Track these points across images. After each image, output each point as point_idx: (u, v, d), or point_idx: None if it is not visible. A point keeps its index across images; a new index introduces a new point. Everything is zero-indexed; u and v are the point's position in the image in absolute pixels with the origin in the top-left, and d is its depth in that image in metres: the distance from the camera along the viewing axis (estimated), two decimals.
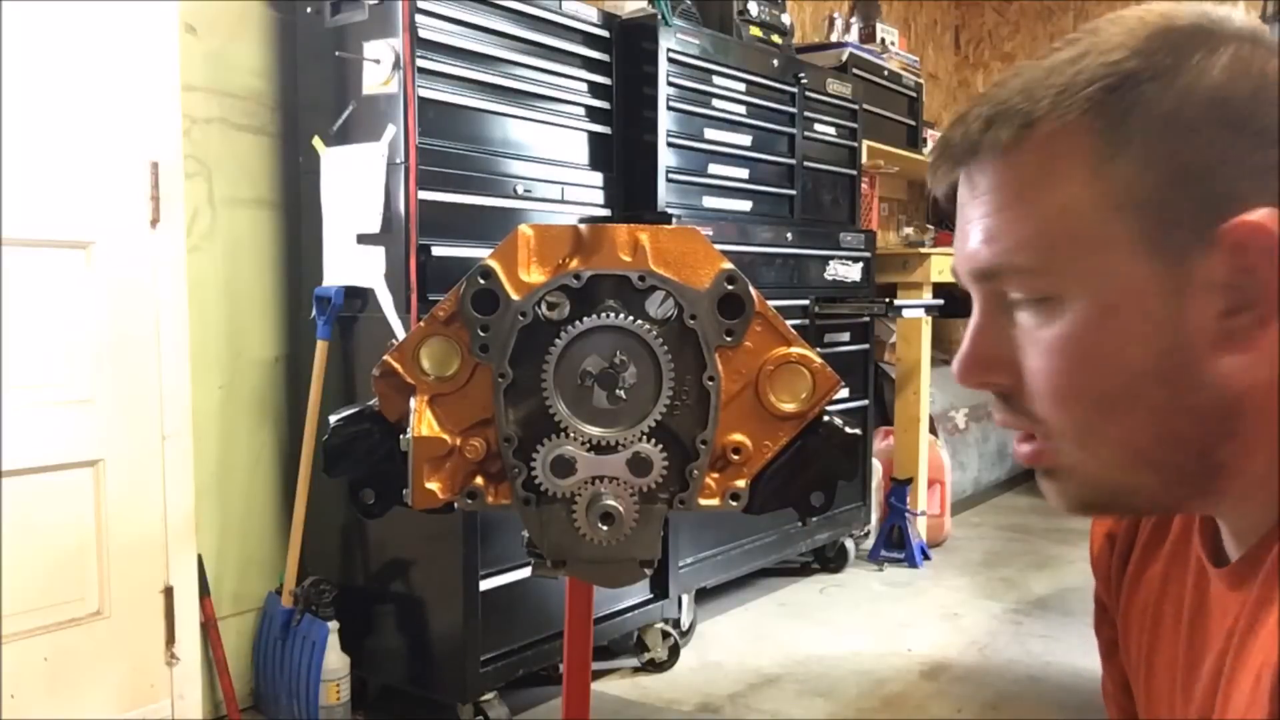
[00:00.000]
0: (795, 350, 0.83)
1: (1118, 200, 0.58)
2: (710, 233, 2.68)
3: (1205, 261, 0.57)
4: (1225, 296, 0.57)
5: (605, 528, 0.80)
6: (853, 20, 4.42)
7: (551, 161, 2.45)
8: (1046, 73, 0.61)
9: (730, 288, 0.81)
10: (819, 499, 0.85)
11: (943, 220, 5.21)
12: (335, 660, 2.23)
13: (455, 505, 0.83)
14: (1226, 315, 0.57)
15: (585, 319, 0.79)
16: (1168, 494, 0.63)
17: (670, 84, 2.68)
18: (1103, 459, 0.62)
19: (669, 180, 2.71)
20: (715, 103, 2.86)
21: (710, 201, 2.88)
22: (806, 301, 3.20)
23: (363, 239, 2.18)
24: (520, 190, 2.33)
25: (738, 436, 0.83)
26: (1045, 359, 0.62)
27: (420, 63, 2.13)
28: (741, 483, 0.83)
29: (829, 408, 0.84)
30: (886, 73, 4.14)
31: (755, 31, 3.12)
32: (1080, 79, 0.59)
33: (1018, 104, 0.61)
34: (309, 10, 2.30)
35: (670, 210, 2.69)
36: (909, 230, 4.78)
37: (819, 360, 0.83)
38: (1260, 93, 0.57)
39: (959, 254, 0.66)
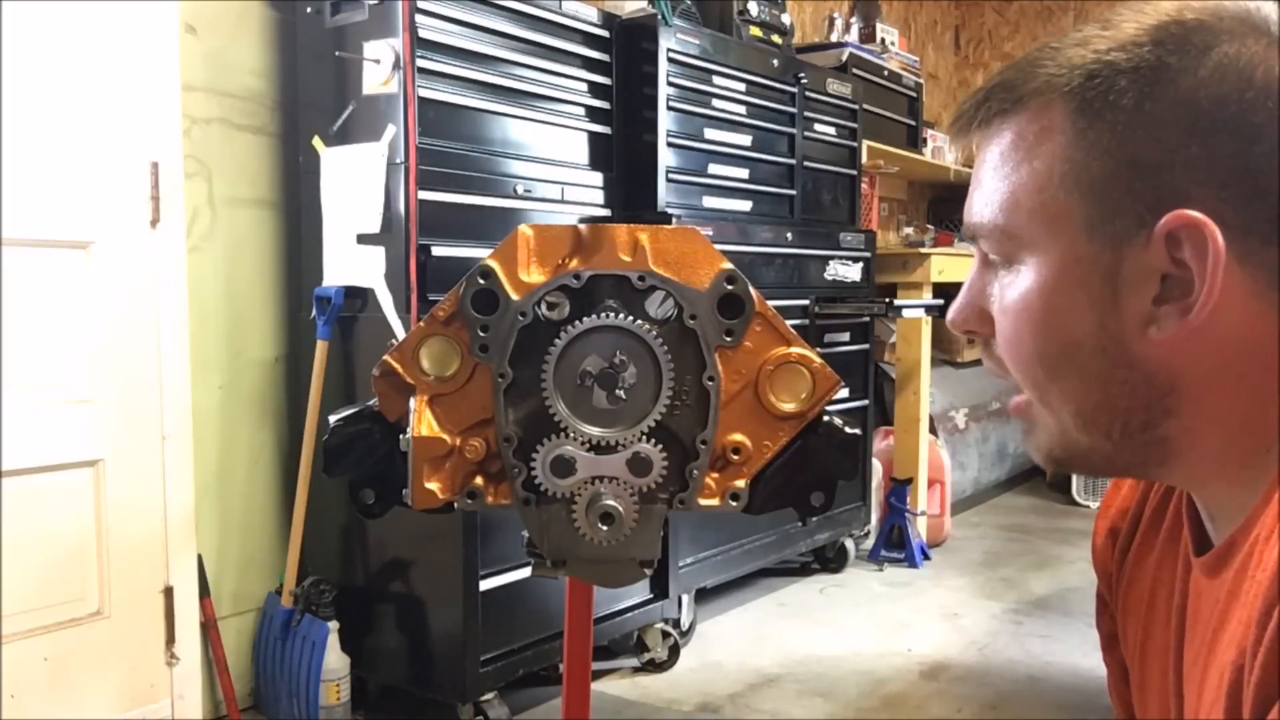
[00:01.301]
0: (795, 350, 0.83)
1: (1074, 180, 0.62)
2: (710, 233, 2.68)
3: (1144, 250, 0.60)
4: (1158, 285, 0.60)
5: (605, 528, 0.80)
6: (853, 20, 4.42)
7: (551, 161, 2.45)
8: (1053, 53, 0.65)
9: (730, 288, 0.81)
10: (819, 499, 0.85)
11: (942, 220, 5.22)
12: (335, 660, 2.23)
13: (455, 505, 0.83)
14: (1157, 302, 0.60)
15: (585, 319, 0.79)
16: (1120, 458, 0.66)
17: (670, 84, 2.68)
18: (1058, 415, 0.66)
19: (669, 180, 2.71)
20: (715, 103, 2.86)
21: (710, 201, 2.88)
22: (806, 301, 3.20)
23: (363, 239, 2.18)
24: (520, 190, 2.33)
25: (738, 436, 0.83)
26: (1005, 317, 0.67)
27: (420, 63, 2.13)
28: (741, 483, 0.83)
29: (829, 408, 0.84)
30: (886, 73, 4.14)
31: (755, 31, 3.11)
32: (1071, 63, 0.63)
33: (1016, 80, 0.65)
34: (309, 10, 2.30)
35: (670, 210, 2.69)
36: (909, 230, 4.78)
37: (819, 360, 0.83)
38: (1246, 94, 0.58)
39: (965, 211, 0.71)
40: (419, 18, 2.12)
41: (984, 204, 0.67)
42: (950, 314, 0.72)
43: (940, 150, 4.79)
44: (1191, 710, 0.65)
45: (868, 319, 3.51)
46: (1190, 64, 0.59)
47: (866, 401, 3.56)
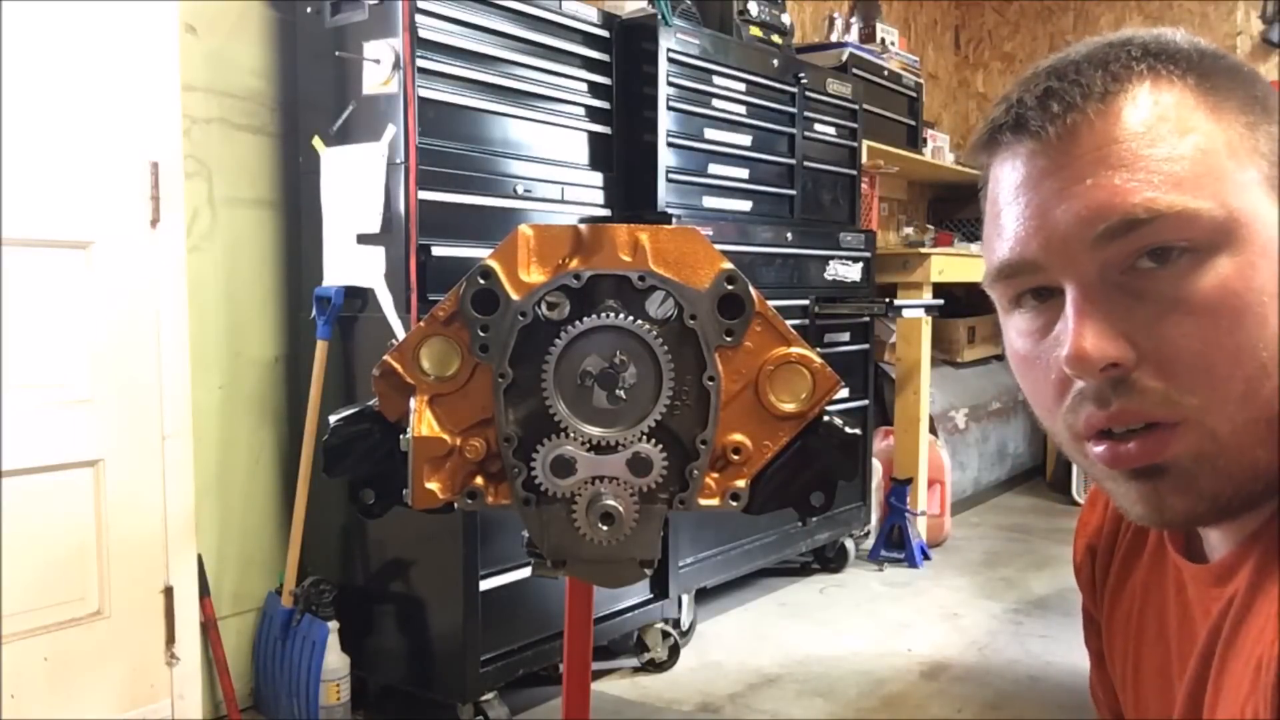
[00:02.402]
0: (795, 350, 0.83)
1: (1241, 146, 0.59)
2: (710, 233, 2.68)
3: None
4: None
5: (605, 528, 0.80)
6: (853, 20, 4.42)
7: (551, 161, 2.45)
8: (1112, 47, 0.61)
9: (730, 288, 0.81)
10: (819, 499, 0.85)
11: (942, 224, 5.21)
12: (335, 660, 2.23)
13: (455, 505, 0.83)
14: None
15: (585, 319, 0.79)
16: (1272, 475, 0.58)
17: (670, 84, 2.68)
18: (1253, 429, 0.56)
19: (669, 180, 2.71)
20: (715, 103, 2.86)
21: (710, 201, 2.88)
22: (806, 301, 3.20)
23: (363, 239, 2.18)
24: (520, 190, 2.33)
25: (738, 436, 0.83)
26: (1203, 318, 0.56)
27: (420, 63, 2.13)
28: (741, 483, 0.83)
29: (829, 408, 0.84)
30: (886, 73, 4.14)
31: (755, 31, 3.11)
32: (1172, 49, 0.61)
33: (1106, 66, 0.60)
34: (309, 10, 2.30)
35: (670, 210, 2.69)
36: (909, 230, 4.78)
37: (819, 360, 0.83)
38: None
39: (1055, 222, 0.59)
40: (419, 18, 2.12)
41: (1148, 187, 0.56)
42: (1078, 358, 0.57)
43: (940, 150, 4.79)
44: (1208, 712, 0.63)
45: (868, 319, 3.51)
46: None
47: (866, 401, 3.56)
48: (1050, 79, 0.61)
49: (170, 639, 2.19)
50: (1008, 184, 0.62)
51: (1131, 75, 0.59)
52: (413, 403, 0.82)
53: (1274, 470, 0.57)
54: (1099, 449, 0.60)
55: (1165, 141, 0.57)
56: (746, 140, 2.99)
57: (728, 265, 0.82)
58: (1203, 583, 0.65)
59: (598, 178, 2.56)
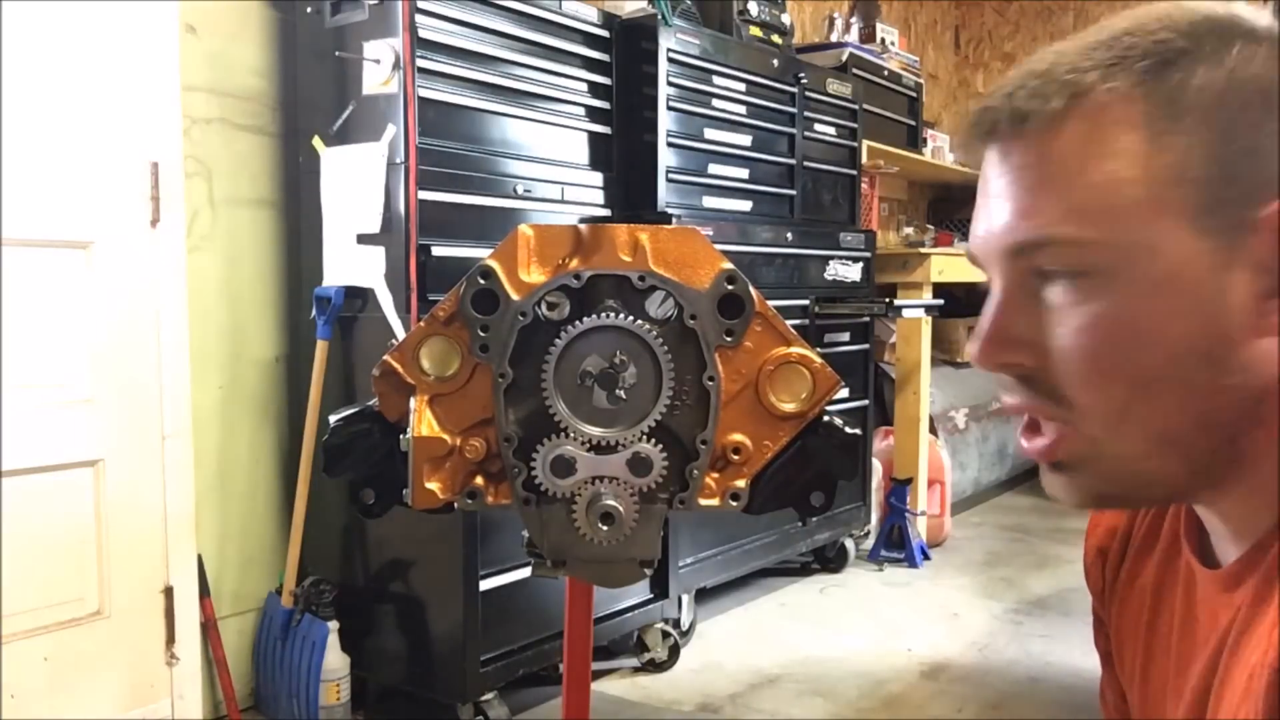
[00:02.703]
0: (795, 350, 0.83)
1: (1173, 174, 0.58)
2: (710, 233, 2.68)
3: (1253, 239, 0.57)
4: (1264, 279, 0.57)
5: (605, 528, 0.80)
6: (853, 20, 4.42)
7: (551, 161, 2.45)
8: (1086, 50, 0.60)
9: (730, 288, 0.81)
10: (819, 499, 0.85)
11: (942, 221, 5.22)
12: (335, 660, 2.23)
13: (455, 505, 0.83)
14: (1263, 298, 0.57)
15: (585, 319, 0.79)
16: (1189, 482, 0.62)
17: (670, 84, 2.68)
18: (1132, 443, 0.60)
19: (669, 180, 2.71)
20: (715, 103, 2.86)
21: (710, 201, 2.88)
22: (806, 301, 3.20)
23: (363, 239, 2.18)
24: (520, 190, 2.33)
25: (738, 436, 0.83)
26: (1080, 336, 0.60)
27: (420, 63, 2.13)
28: (741, 483, 0.83)
29: (829, 408, 0.84)
30: (886, 73, 4.14)
31: (755, 31, 3.11)
32: (1133, 53, 0.58)
33: (1064, 75, 0.60)
34: (309, 10, 2.30)
35: (670, 210, 2.69)
36: (909, 230, 4.78)
37: (819, 360, 0.83)
38: None
39: (985, 230, 0.64)
40: (419, 18, 2.12)
41: (1042, 216, 0.60)
42: (978, 349, 0.64)
43: (940, 150, 4.79)
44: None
45: (868, 319, 3.51)
46: (1248, 53, 0.58)
47: (866, 401, 3.56)
48: (1017, 83, 0.62)
49: (170, 639, 2.19)
50: (980, 179, 0.66)
51: (1081, 90, 0.59)
52: (413, 403, 0.82)
53: (1171, 480, 0.61)
54: (1021, 435, 0.66)
55: (1080, 169, 0.59)
56: (746, 140, 2.99)
57: (728, 265, 0.82)
58: (1213, 588, 0.65)
59: (598, 178, 2.56)
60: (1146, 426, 0.60)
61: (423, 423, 0.81)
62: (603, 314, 0.79)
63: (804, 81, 3.18)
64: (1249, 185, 0.57)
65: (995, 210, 0.63)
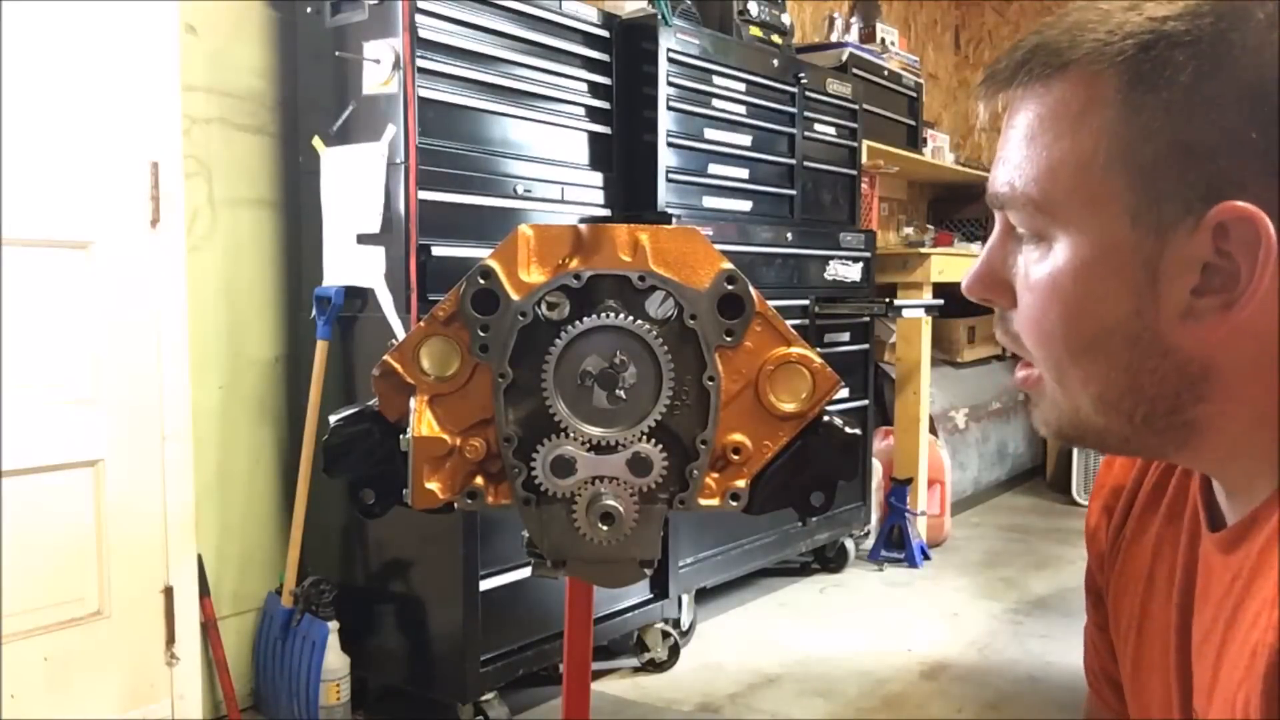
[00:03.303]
0: (795, 350, 0.83)
1: (1122, 160, 0.58)
2: (710, 233, 2.68)
3: (1189, 238, 0.57)
4: (1199, 276, 0.58)
5: (605, 528, 0.80)
6: (853, 20, 4.42)
7: (551, 161, 2.45)
8: (1103, 15, 0.60)
9: (730, 288, 0.81)
10: (819, 499, 0.85)
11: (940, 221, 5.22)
12: (335, 660, 2.23)
13: (455, 505, 0.83)
14: (1196, 294, 0.58)
15: (585, 319, 0.79)
16: (1138, 440, 0.65)
17: (670, 84, 2.68)
18: (1074, 397, 0.64)
19: (669, 180, 2.71)
20: (715, 103, 2.86)
21: (710, 201, 2.88)
22: (806, 301, 3.20)
23: (363, 239, 2.18)
24: (520, 190, 2.33)
25: (738, 436, 0.83)
26: (1030, 294, 0.64)
27: (420, 63, 2.13)
28: (741, 483, 0.83)
29: (829, 408, 0.84)
30: (886, 73, 4.14)
31: (755, 31, 3.11)
32: (1123, 30, 0.59)
33: (1061, 42, 0.61)
34: (309, 10, 2.30)
35: (670, 210, 2.69)
36: (909, 230, 4.78)
37: (819, 360, 0.83)
38: None
39: (990, 175, 0.67)
40: (419, 18, 2.12)
41: (1016, 173, 0.63)
42: (966, 280, 0.69)
43: (940, 150, 4.79)
44: (1204, 686, 0.64)
45: (868, 319, 3.51)
46: (1254, 40, 0.56)
47: (866, 401, 3.56)
48: (1034, 38, 0.64)
49: (170, 639, 2.19)
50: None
51: (1067, 62, 0.61)
52: (413, 403, 0.82)
53: (1119, 435, 0.64)
54: (1017, 370, 0.70)
55: (1053, 136, 0.61)
56: (746, 140, 2.99)
57: (728, 265, 0.82)
58: (1213, 548, 0.66)
59: (598, 178, 2.56)
60: (1084, 387, 0.63)
61: (423, 423, 0.81)
62: (603, 314, 0.79)
63: (804, 81, 3.18)
64: (1198, 181, 0.57)
65: (998, 158, 0.66)
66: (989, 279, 0.67)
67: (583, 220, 2.21)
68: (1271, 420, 0.60)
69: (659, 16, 2.63)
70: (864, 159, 3.62)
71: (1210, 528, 0.67)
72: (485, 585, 2.21)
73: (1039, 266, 0.63)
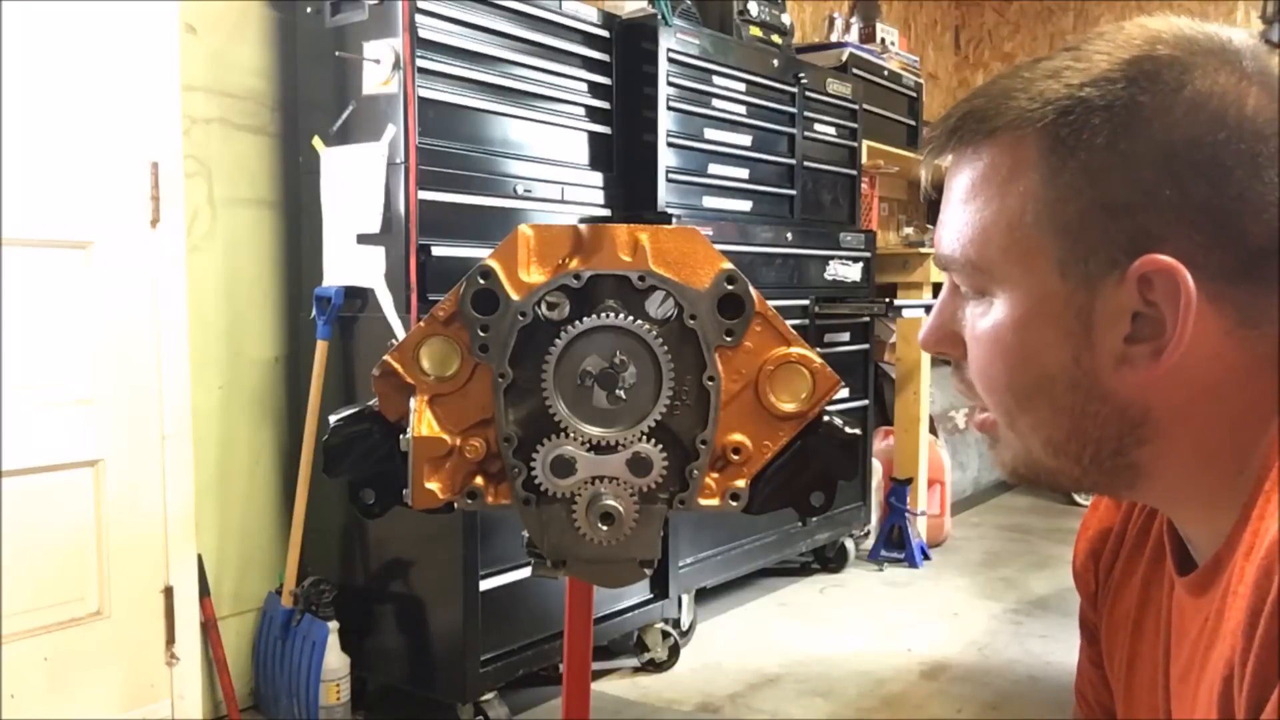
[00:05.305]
0: (795, 350, 0.83)
1: (1048, 219, 0.61)
2: (710, 233, 2.68)
3: (1117, 289, 0.60)
4: (1130, 323, 0.60)
5: (605, 528, 0.80)
6: (853, 20, 4.42)
7: (551, 161, 2.45)
8: (1026, 83, 0.63)
9: (730, 288, 0.81)
10: (819, 499, 0.85)
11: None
12: (335, 660, 2.23)
13: (455, 505, 0.83)
14: (1129, 340, 0.61)
15: (585, 319, 0.79)
16: (1088, 480, 0.67)
17: (670, 84, 2.68)
18: (1025, 441, 0.67)
19: (669, 180, 2.71)
20: (715, 103, 2.86)
21: (710, 201, 2.88)
22: (806, 301, 3.20)
23: (363, 239, 2.18)
24: (520, 190, 2.33)
25: (738, 436, 0.83)
26: (976, 346, 0.67)
27: (420, 63, 2.13)
28: (741, 483, 0.83)
29: (829, 408, 0.84)
30: (886, 73, 4.14)
31: (755, 31, 3.11)
32: (1044, 97, 0.62)
33: (989, 110, 0.64)
34: (309, 10, 2.30)
35: (670, 210, 2.69)
36: (909, 230, 4.78)
37: (819, 360, 0.83)
38: (1219, 135, 0.58)
39: (934, 239, 0.71)
40: (419, 18, 2.12)
41: (953, 237, 0.67)
42: (921, 335, 0.73)
43: None
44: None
45: (868, 319, 3.51)
46: (1164, 102, 0.59)
47: (866, 401, 3.56)
48: (968, 101, 0.67)
49: (170, 639, 2.19)
50: None
51: (994, 129, 0.64)
52: (413, 403, 0.82)
53: (1070, 477, 0.67)
54: (976, 413, 0.73)
55: (987, 197, 0.64)
56: (746, 140, 2.99)
57: (728, 265, 0.82)
58: (1185, 592, 0.67)
59: (598, 178, 2.56)
60: (1034, 432, 0.66)
61: (423, 423, 0.81)
62: (603, 314, 0.79)
63: (804, 81, 3.18)
64: (1121, 237, 0.59)
65: (940, 221, 0.69)
66: (940, 333, 0.71)
67: (583, 220, 2.22)
68: (1215, 463, 0.62)
69: (659, 16, 2.63)
70: (864, 159, 3.62)
71: (1180, 571, 0.69)
72: (485, 585, 2.21)
73: (983, 321, 0.66)
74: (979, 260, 0.65)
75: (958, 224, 0.66)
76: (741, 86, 2.95)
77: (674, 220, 2.63)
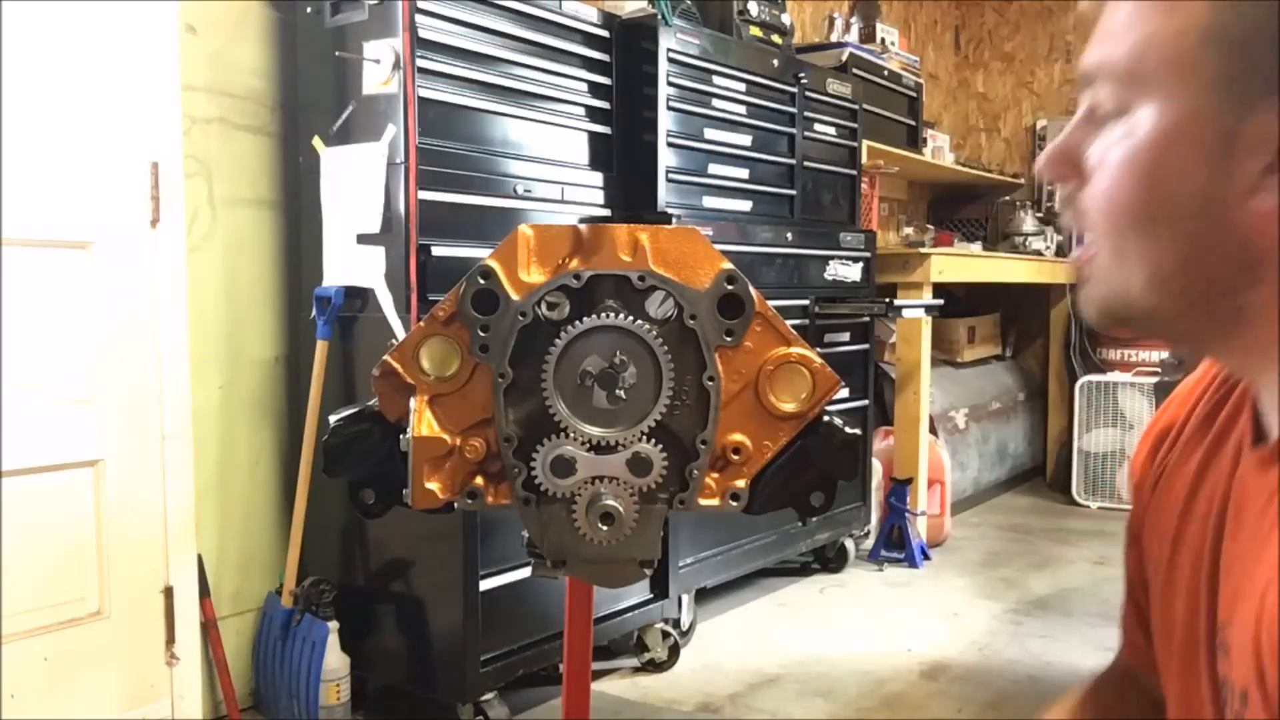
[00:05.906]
0: (795, 350, 0.83)
1: (1215, 34, 0.60)
2: (710, 233, 2.68)
3: (1268, 115, 0.59)
4: (1273, 154, 0.59)
5: (605, 528, 0.80)
6: (853, 20, 4.42)
7: (551, 161, 2.45)
8: None
9: (730, 288, 0.81)
10: (819, 499, 0.85)
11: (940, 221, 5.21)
12: (335, 660, 2.23)
13: (455, 505, 0.83)
14: (1267, 171, 0.59)
15: (585, 319, 0.79)
16: (1184, 322, 0.66)
17: (670, 84, 2.68)
18: (1130, 273, 0.65)
19: (669, 180, 2.71)
20: (715, 103, 2.86)
21: (710, 201, 2.88)
22: (806, 301, 3.20)
23: (363, 239, 2.18)
24: (520, 190, 2.33)
25: (738, 436, 0.83)
26: (1104, 170, 0.65)
27: (420, 63, 2.13)
28: (741, 483, 0.83)
29: (829, 408, 0.84)
30: (886, 73, 4.14)
31: (755, 31, 3.11)
32: None
33: None
34: (309, 10, 2.30)
35: (670, 210, 2.69)
36: (909, 230, 4.78)
37: (819, 360, 0.83)
38: None
39: (1084, 53, 0.69)
40: (419, 18, 2.12)
41: (1114, 44, 0.65)
42: (1042, 159, 0.71)
43: (940, 150, 4.79)
44: (1229, 597, 0.65)
45: (868, 319, 3.51)
46: None
47: (866, 401, 3.56)
48: None
49: (170, 639, 2.19)
50: None
51: None
52: (413, 403, 0.82)
53: (1165, 317, 0.66)
54: (1075, 250, 0.71)
55: (1141, 14, 0.63)
56: (746, 140, 2.99)
57: (728, 265, 0.82)
58: (1252, 464, 0.67)
59: (598, 178, 2.56)
60: (1142, 266, 0.65)
61: (423, 423, 0.81)
62: (603, 314, 0.79)
63: (804, 81, 3.18)
64: (1275, 64, 0.58)
65: (1095, 36, 0.67)
66: (1063, 159, 0.69)
67: (583, 220, 2.22)
68: None
69: (659, 16, 2.63)
70: (864, 159, 3.62)
71: (1255, 442, 0.68)
72: (485, 585, 2.21)
73: (1121, 143, 0.64)
74: (1137, 67, 0.63)
75: (1120, 33, 0.64)
76: (741, 86, 2.95)
77: (674, 220, 2.63)
